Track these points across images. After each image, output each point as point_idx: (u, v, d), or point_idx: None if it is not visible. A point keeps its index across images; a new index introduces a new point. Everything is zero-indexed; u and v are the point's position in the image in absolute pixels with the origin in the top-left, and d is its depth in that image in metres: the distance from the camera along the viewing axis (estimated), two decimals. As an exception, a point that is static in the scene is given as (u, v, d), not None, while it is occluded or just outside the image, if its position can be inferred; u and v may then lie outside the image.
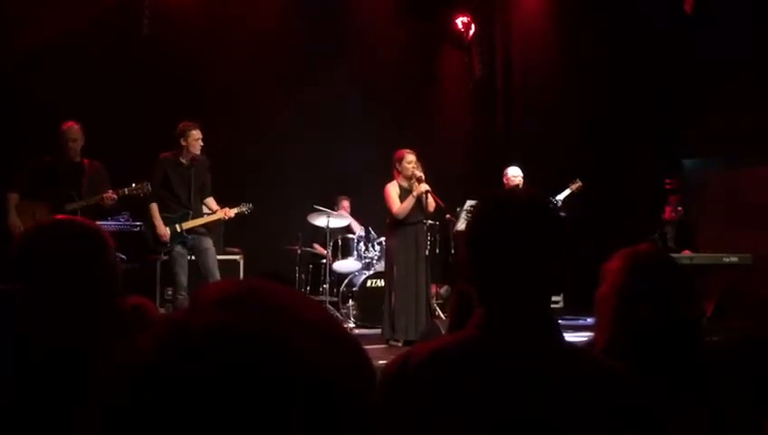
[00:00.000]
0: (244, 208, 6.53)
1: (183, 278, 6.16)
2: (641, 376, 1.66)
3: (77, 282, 1.57)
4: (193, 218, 6.27)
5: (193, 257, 6.32)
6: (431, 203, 6.52)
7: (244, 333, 0.57)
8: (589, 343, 1.92)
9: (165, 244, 6.15)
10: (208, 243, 6.32)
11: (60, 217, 1.74)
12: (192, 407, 0.54)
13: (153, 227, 6.13)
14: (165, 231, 6.11)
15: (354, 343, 0.64)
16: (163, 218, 6.14)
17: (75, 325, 1.52)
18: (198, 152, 6.18)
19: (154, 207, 6.14)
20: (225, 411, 0.54)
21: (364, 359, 0.64)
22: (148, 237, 6.18)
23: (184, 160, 6.21)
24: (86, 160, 5.87)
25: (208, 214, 6.43)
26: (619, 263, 1.85)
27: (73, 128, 5.79)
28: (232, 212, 6.44)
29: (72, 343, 1.48)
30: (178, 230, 6.18)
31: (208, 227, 6.40)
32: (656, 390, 1.67)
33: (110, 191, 5.85)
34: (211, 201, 6.47)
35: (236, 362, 0.55)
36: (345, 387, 0.60)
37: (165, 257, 6.61)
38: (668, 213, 7.81)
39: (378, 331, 6.92)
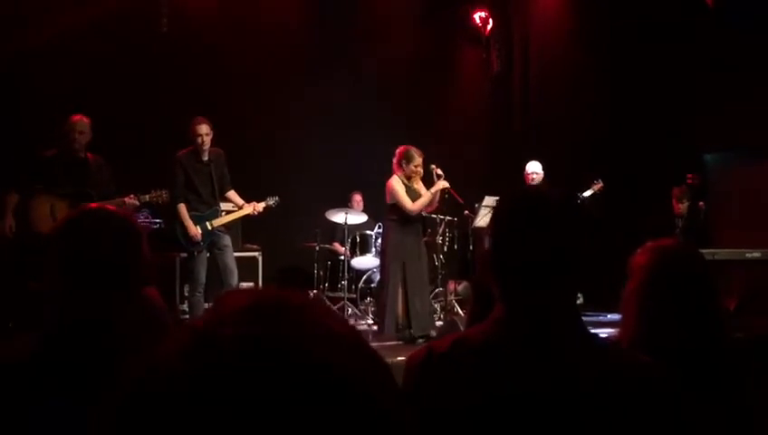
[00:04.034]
0: (271, 202, 6.53)
1: (202, 276, 6.17)
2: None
3: (112, 274, 1.56)
4: (221, 215, 6.28)
5: (208, 254, 6.31)
6: (437, 199, 6.53)
7: (274, 347, 0.56)
8: (612, 340, 1.91)
9: (198, 243, 6.12)
10: (228, 240, 6.31)
11: (96, 205, 1.73)
12: (218, 421, 0.53)
13: (184, 227, 6.09)
14: (196, 231, 6.07)
15: (379, 356, 0.63)
16: (192, 217, 6.10)
17: (109, 318, 1.52)
18: (206, 148, 6.13)
19: (182, 207, 6.10)
20: (253, 425, 0.53)
21: (389, 372, 0.63)
22: (180, 238, 6.14)
23: (203, 157, 6.18)
24: (90, 155, 5.78)
25: (234, 209, 6.42)
26: (646, 259, 1.83)
27: (83, 121, 5.69)
28: (260, 206, 6.41)
29: (102, 338, 1.48)
30: (209, 228, 6.16)
31: (228, 225, 6.39)
32: (682, 386, 1.65)
33: (132, 196, 5.81)
34: (234, 195, 6.41)
35: (266, 376, 0.54)
36: (376, 403, 0.59)
37: (184, 255, 6.64)
38: (675, 207, 7.77)
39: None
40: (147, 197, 5.91)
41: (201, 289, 6.14)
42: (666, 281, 1.78)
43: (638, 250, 1.90)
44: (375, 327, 7.35)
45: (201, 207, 6.19)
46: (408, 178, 6.49)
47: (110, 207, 1.73)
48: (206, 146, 6.14)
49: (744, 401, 1.73)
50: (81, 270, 1.54)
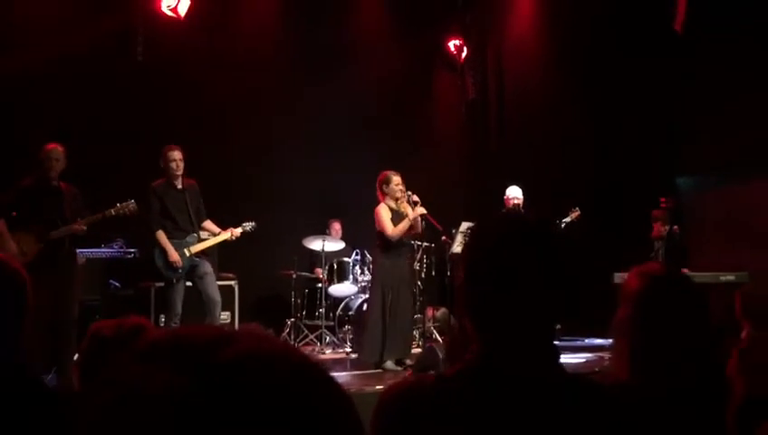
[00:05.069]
0: (248, 227, 6.52)
1: (178, 305, 6.10)
2: (668, 403, 1.63)
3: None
4: (199, 241, 6.23)
5: (189, 283, 6.24)
6: (420, 224, 6.55)
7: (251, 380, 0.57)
8: (602, 369, 1.90)
9: (177, 270, 6.07)
10: (208, 267, 6.26)
11: None
12: None
13: (164, 254, 6.05)
14: (177, 257, 6.04)
15: (330, 377, 0.64)
16: (171, 244, 6.08)
17: None
18: (179, 174, 6.14)
19: (161, 234, 6.08)
20: None
21: (346, 395, 0.64)
22: (159, 266, 6.08)
23: (177, 185, 6.17)
24: (62, 184, 5.74)
25: (209, 237, 6.37)
26: (638, 285, 1.80)
27: (58, 149, 5.68)
28: (238, 231, 6.41)
29: None
30: (188, 255, 6.14)
31: (207, 252, 6.33)
32: (681, 415, 1.64)
33: (79, 221, 5.69)
34: (210, 224, 6.40)
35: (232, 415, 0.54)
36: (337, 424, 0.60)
37: (159, 284, 6.55)
38: (656, 230, 7.76)
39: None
40: (112, 211, 5.79)
41: (177, 319, 6.06)
42: (660, 308, 1.75)
43: (629, 275, 1.85)
44: (354, 354, 7.31)
45: (178, 233, 6.15)
46: (396, 200, 6.53)
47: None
48: (180, 171, 6.14)
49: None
50: None
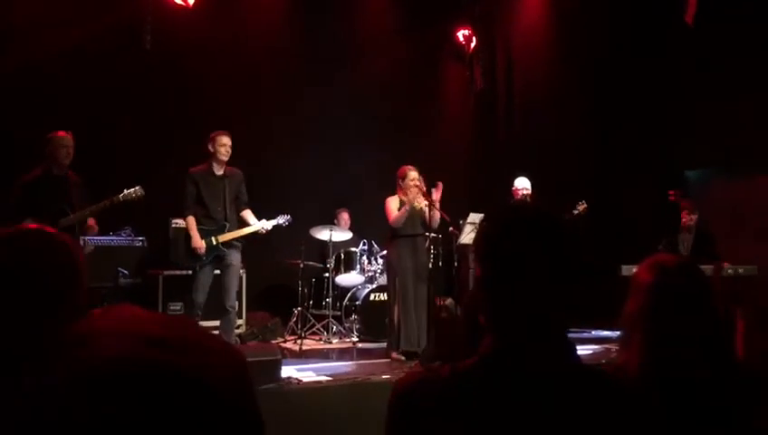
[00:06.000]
0: (281, 221, 6.42)
1: (200, 296, 5.99)
2: (678, 398, 1.62)
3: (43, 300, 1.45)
4: (229, 231, 6.11)
5: (217, 271, 6.13)
6: (434, 216, 6.54)
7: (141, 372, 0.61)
8: (609, 361, 1.89)
9: (200, 257, 5.97)
10: (235, 259, 6.12)
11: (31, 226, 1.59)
12: None
13: (189, 239, 5.96)
14: (201, 243, 5.95)
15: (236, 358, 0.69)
16: (198, 231, 6.00)
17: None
18: (225, 160, 6.09)
19: (191, 219, 6.01)
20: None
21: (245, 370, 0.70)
22: (180, 253, 6.00)
23: (217, 172, 6.11)
24: (70, 173, 5.72)
25: (239, 227, 6.23)
26: (649, 277, 1.78)
27: (68, 136, 5.65)
28: (269, 225, 6.28)
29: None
30: (214, 243, 6.03)
31: (236, 242, 6.19)
32: (691, 407, 1.63)
33: (92, 220, 5.70)
34: (248, 213, 6.27)
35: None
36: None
37: (167, 273, 6.53)
38: (684, 220, 7.54)
39: (381, 344, 6.93)
40: (120, 197, 5.73)
41: (198, 310, 5.95)
42: (672, 300, 1.74)
43: (640, 267, 1.84)
44: (360, 344, 7.34)
45: (207, 221, 6.06)
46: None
47: (48, 228, 1.60)
48: (227, 158, 6.10)
49: (755, 426, 1.70)
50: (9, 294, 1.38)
